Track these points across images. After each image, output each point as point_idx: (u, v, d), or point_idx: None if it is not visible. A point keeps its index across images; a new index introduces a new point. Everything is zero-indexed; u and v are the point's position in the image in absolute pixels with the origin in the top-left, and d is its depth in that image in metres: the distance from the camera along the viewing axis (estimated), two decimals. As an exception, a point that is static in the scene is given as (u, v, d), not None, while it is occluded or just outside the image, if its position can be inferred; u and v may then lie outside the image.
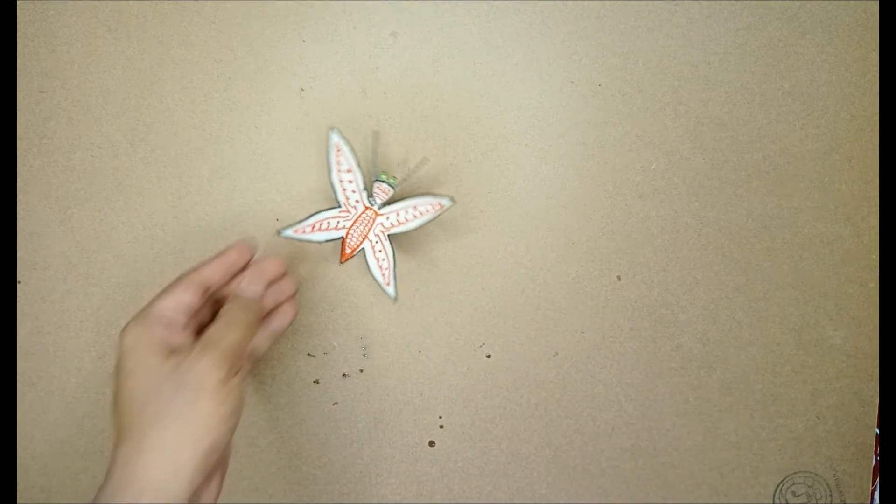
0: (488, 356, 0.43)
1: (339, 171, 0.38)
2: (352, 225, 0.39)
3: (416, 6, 0.40)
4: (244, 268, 0.37)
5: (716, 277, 0.42)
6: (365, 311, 0.42)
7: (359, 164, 0.38)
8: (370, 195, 0.39)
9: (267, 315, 0.38)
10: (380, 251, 0.39)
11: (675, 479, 0.44)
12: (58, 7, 0.40)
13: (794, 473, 0.44)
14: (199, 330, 0.34)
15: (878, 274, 0.42)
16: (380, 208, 0.39)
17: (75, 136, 0.41)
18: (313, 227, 0.39)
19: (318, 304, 0.43)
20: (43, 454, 0.44)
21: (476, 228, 0.42)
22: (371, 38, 0.41)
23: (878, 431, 0.43)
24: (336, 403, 0.44)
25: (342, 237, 0.39)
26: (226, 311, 0.34)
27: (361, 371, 0.43)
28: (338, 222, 0.39)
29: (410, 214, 0.38)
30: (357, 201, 0.39)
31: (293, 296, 0.40)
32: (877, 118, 0.41)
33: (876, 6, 0.40)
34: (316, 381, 0.43)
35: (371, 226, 0.39)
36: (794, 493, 0.44)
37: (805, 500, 0.44)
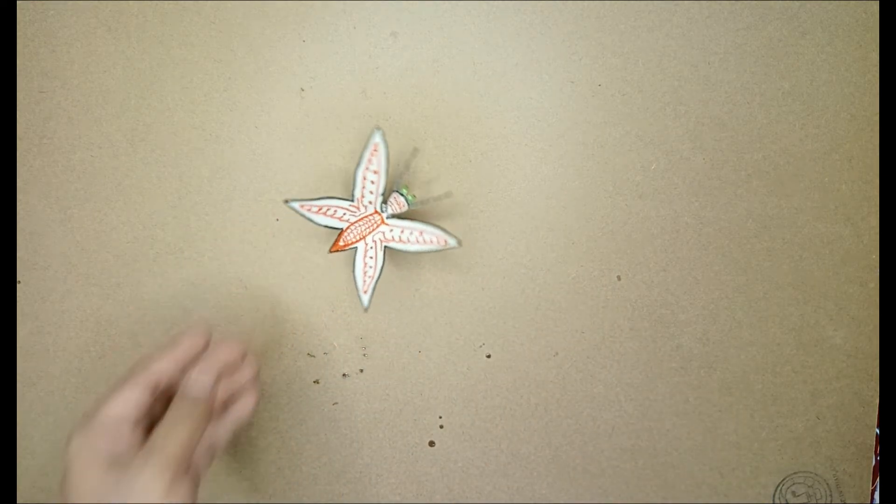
0: (488, 356, 0.43)
1: (368, 168, 0.38)
2: (356, 221, 0.39)
3: (416, 6, 0.40)
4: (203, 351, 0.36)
5: (716, 277, 0.42)
6: (365, 312, 0.42)
7: (387, 171, 0.38)
8: (385, 202, 0.39)
9: (225, 404, 0.37)
10: (371, 257, 0.39)
11: (675, 479, 0.44)
12: (58, 7, 0.40)
13: (794, 473, 0.44)
14: (153, 425, 0.33)
15: (878, 274, 0.42)
16: (388, 217, 0.39)
17: (75, 136, 0.41)
18: (320, 209, 0.39)
19: (319, 304, 0.43)
20: (43, 454, 0.44)
21: (476, 228, 0.42)
22: (371, 38, 0.41)
23: (878, 431, 0.43)
24: (336, 403, 0.44)
25: (342, 229, 0.39)
26: (171, 411, 0.33)
27: (361, 371, 0.43)
28: (344, 213, 0.39)
29: (414, 237, 0.38)
30: (370, 202, 0.39)
31: (254, 380, 0.38)
32: (877, 118, 0.41)
33: (876, 6, 0.40)
34: (316, 381, 0.43)
35: (373, 230, 0.39)
36: (794, 493, 0.44)
37: (805, 500, 0.44)
